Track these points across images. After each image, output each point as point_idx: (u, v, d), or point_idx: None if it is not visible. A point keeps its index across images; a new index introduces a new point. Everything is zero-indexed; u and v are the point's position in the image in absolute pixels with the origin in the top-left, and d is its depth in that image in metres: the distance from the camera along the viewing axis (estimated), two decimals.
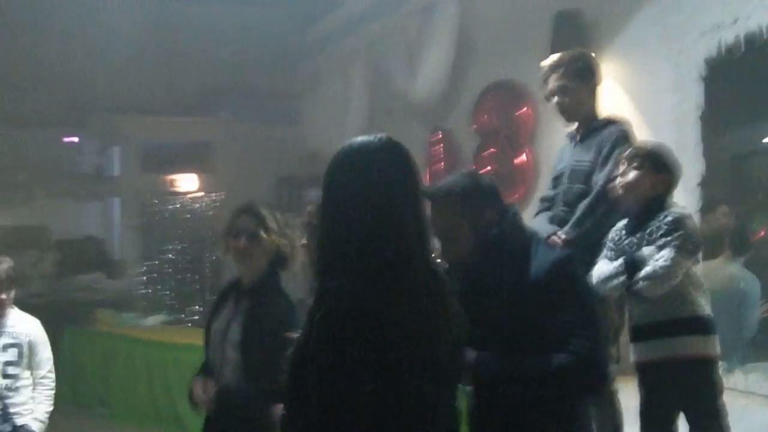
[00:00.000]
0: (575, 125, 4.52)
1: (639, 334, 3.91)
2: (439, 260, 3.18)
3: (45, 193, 12.35)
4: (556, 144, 5.46)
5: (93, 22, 10.85)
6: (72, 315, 10.53)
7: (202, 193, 12.54)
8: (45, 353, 4.90)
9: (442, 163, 9.00)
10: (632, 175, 3.85)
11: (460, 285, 2.98)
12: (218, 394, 3.60)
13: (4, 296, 4.72)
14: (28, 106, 11.88)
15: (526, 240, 3.01)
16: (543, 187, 5.27)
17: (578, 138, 4.45)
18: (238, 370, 3.59)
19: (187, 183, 12.56)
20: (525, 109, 7.77)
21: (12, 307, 4.86)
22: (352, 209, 2.32)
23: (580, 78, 4.40)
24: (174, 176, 12.50)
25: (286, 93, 11.74)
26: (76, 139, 12.93)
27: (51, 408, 4.91)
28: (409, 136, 8.86)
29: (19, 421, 4.70)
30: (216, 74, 11.90)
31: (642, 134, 6.04)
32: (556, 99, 4.44)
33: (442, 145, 9.08)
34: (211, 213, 12.18)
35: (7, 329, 4.77)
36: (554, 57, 4.58)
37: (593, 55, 4.91)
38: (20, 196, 12.70)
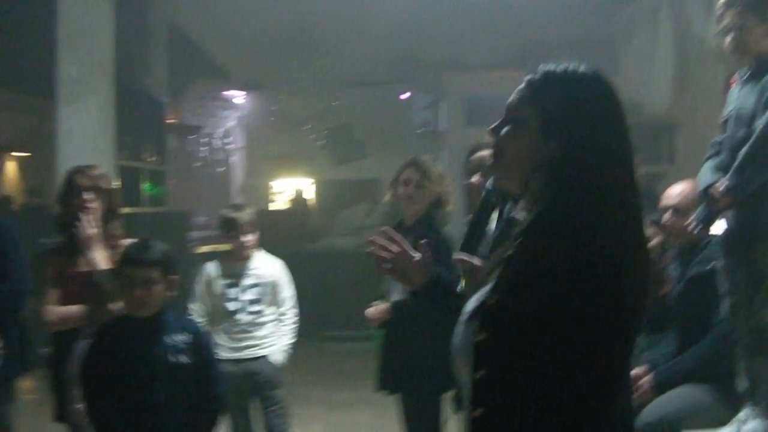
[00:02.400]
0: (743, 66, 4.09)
1: None
2: None
3: (378, 148, 13.11)
4: None
5: None
6: None
7: None
8: (287, 292, 5.30)
9: None
10: None
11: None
12: (393, 307, 4.46)
13: (245, 240, 5.15)
14: (365, 65, 12.64)
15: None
16: None
17: (746, 78, 4.05)
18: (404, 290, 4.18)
19: None
20: None
21: (258, 251, 5.30)
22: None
23: (758, 15, 3.99)
24: None
25: (602, 43, 11.48)
26: (408, 96, 13.57)
27: (292, 341, 5.28)
28: (714, 81, 8.47)
29: (262, 351, 5.17)
30: (535, 27, 11.89)
31: None
32: (731, 36, 4.06)
33: None
34: None
35: (251, 271, 5.19)
36: None
37: None
38: (357, 151, 13.61)
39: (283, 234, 11.14)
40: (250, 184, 14.86)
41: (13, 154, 16.65)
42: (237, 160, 15.74)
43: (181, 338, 3.64)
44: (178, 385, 3.57)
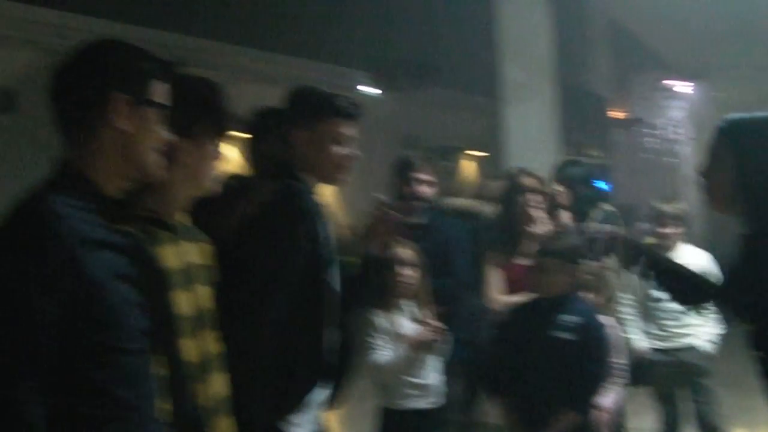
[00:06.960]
0: None
1: None
2: None
3: None
4: None
5: None
6: None
7: None
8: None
9: None
10: None
11: None
12: None
13: (668, 231, 5.23)
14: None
15: None
16: None
17: None
18: None
19: None
20: None
21: (682, 243, 5.36)
22: None
23: None
24: None
25: None
26: None
27: (720, 331, 5.20)
28: None
29: (690, 340, 5.24)
30: None
31: None
32: None
33: None
34: None
35: (678, 261, 5.27)
36: None
37: None
38: None
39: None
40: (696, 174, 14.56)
41: (473, 153, 17.75)
42: (685, 150, 15.49)
43: (573, 319, 4.04)
44: (563, 358, 4.00)
